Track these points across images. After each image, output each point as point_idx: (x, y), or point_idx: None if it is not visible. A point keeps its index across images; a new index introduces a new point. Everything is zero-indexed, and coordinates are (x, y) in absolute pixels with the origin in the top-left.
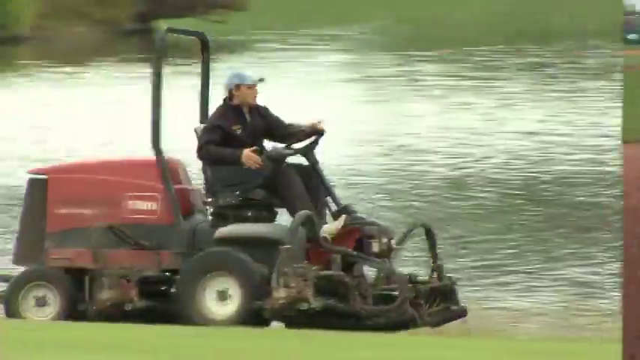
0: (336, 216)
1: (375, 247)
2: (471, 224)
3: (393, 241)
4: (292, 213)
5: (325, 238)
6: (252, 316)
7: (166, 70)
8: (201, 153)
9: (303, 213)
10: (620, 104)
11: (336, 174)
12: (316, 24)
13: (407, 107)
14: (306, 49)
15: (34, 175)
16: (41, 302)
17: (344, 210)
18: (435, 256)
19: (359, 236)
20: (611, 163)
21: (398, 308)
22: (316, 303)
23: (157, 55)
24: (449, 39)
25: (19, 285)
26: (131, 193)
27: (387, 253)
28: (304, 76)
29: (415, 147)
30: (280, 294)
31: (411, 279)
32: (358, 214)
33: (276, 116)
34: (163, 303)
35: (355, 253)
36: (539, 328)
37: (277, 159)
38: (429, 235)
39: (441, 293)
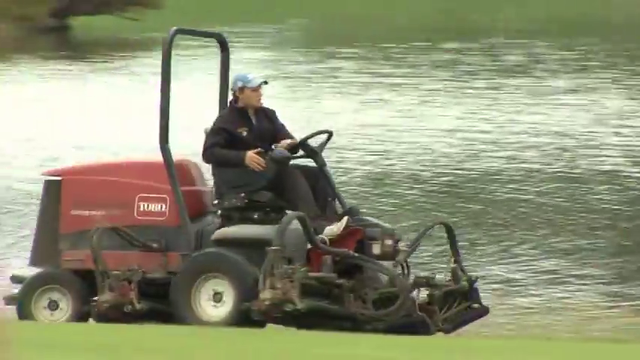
0: (340, 218)
1: (377, 249)
2: (394, 220)
3: (400, 243)
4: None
5: (323, 240)
6: (245, 318)
7: (86, 68)
8: (206, 155)
9: (292, 214)
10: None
11: None
12: (232, 22)
13: (324, 104)
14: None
15: (49, 177)
16: (54, 305)
17: (349, 212)
18: (456, 255)
19: (360, 238)
20: (531, 160)
21: (396, 312)
22: (301, 304)
23: (164, 57)
24: (365, 36)
25: (31, 288)
26: (142, 195)
27: (391, 255)
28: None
29: (335, 144)
30: (266, 295)
31: (428, 282)
32: (364, 216)
33: (280, 122)
34: (166, 305)
35: (355, 254)
36: None
37: (280, 161)
38: (449, 232)
39: (461, 294)
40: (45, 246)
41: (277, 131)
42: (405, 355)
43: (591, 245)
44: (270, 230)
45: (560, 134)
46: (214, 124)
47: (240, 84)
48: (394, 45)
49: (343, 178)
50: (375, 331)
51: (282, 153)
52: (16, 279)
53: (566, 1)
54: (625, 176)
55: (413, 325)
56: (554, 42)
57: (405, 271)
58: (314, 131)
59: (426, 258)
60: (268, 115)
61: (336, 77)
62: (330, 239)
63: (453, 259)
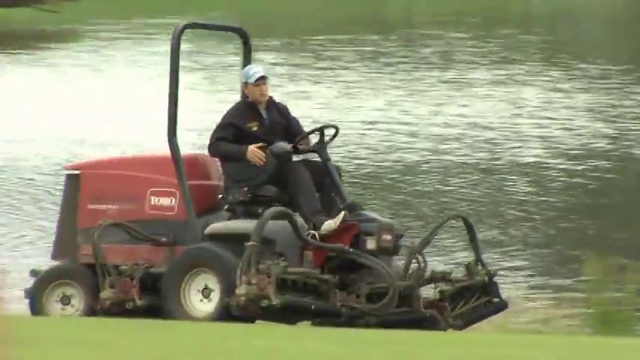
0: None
1: (371, 244)
2: None
3: (402, 238)
4: (297, 209)
5: (313, 235)
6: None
7: (4, 59)
8: (211, 150)
9: (274, 209)
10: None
11: None
12: (150, 14)
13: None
14: (141, 39)
15: (69, 171)
16: (66, 300)
17: (349, 207)
18: (476, 249)
19: (356, 233)
20: (453, 152)
21: (385, 307)
22: (277, 300)
23: (172, 50)
24: (287, 28)
25: (44, 282)
26: (153, 189)
27: (390, 250)
28: (145, 66)
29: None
30: (241, 290)
31: (445, 277)
32: (365, 212)
33: (294, 117)
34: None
35: (349, 250)
36: None
37: (280, 155)
38: (468, 227)
39: (478, 288)
40: (65, 240)
41: (290, 126)
42: (345, 348)
43: (513, 237)
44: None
45: (481, 126)
46: (222, 119)
47: (243, 79)
48: (313, 37)
49: None
50: (368, 325)
51: (282, 147)
52: (34, 273)
53: None
54: (546, 167)
55: (419, 321)
56: (472, 34)
57: (422, 266)
58: (318, 126)
59: (446, 253)
60: (280, 111)
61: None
62: (326, 234)
63: (474, 254)
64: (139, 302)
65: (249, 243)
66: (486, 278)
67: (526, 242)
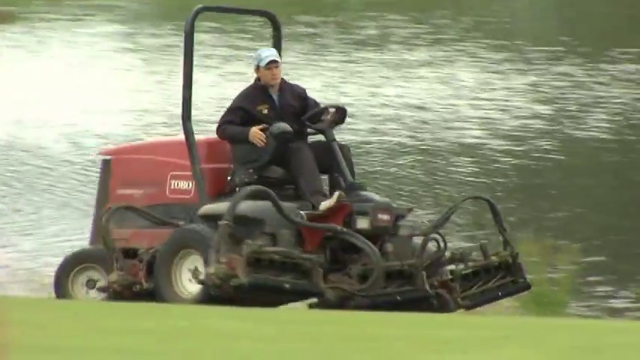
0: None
1: (363, 224)
2: None
3: (404, 218)
4: (298, 190)
5: (302, 216)
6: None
7: None
8: (219, 132)
9: (250, 188)
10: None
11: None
12: None
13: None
14: (75, 19)
15: (104, 156)
16: (91, 284)
17: (350, 186)
18: (502, 230)
19: (349, 212)
20: (392, 133)
21: (371, 288)
22: (246, 279)
23: (186, 33)
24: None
25: (69, 266)
26: (173, 173)
27: (386, 230)
28: (81, 47)
29: (197, 117)
30: (210, 270)
31: (463, 258)
32: (365, 192)
33: (313, 99)
34: None
35: (339, 229)
36: None
37: (277, 136)
38: (492, 208)
39: (502, 268)
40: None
41: (307, 108)
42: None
43: (451, 219)
44: (251, 206)
45: (419, 107)
46: (232, 102)
47: (255, 62)
48: (249, 19)
49: None
50: (358, 307)
51: (280, 128)
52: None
53: None
54: (484, 148)
55: (423, 300)
56: (407, 16)
57: (442, 245)
58: (323, 106)
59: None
60: (295, 93)
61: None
62: (321, 215)
63: (500, 235)
64: (145, 285)
65: (222, 222)
66: (510, 259)
67: (462, 224)
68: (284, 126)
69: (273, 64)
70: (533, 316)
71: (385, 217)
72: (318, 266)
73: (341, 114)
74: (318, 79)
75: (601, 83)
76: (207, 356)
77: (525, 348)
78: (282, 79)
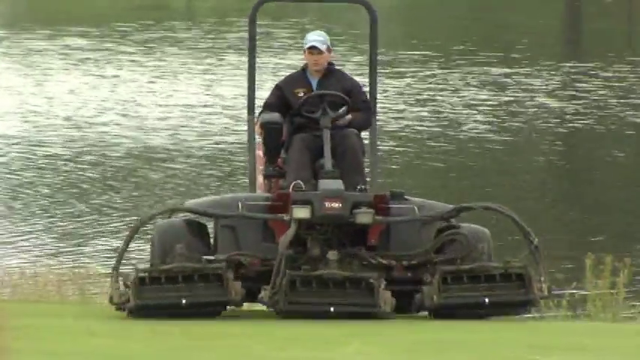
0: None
1: (301, 213)
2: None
3: (361, 206)
4: (287, 180)
5: (246, 207)
6: None
7: None
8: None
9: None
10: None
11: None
12: None
13: (58, 80)
14: None
15: None
16: None
17: (325, 173)
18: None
19: (290, 201)
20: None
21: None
22: (134, 303)
23: (250, 29)
24: (95, 15)
25: None
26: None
27: (336, 218)
28: None
29: (97, 120)
30: (110, 294)
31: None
32: (336, 180)
33: (363, 94)
34: None
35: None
36: None
37: (263, 125)
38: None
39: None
40: None
41: (350, 96)
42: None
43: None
44: (200, 201)
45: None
46: (278, 82)
47: (305, 45)
48: (117, 23)
49: (106, 152)
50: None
51: (265, 118)
52: None
53: None
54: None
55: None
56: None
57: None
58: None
59: None
60: (342, 83)
61: (67, 55)
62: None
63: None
64: None
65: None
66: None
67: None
68: (272, 116)
69: (313, 49)
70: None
71: (335, 204)
72: (230, 276)
73: (337, 106)
74: (194, 82)
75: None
76: None
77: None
78: (331, 66)
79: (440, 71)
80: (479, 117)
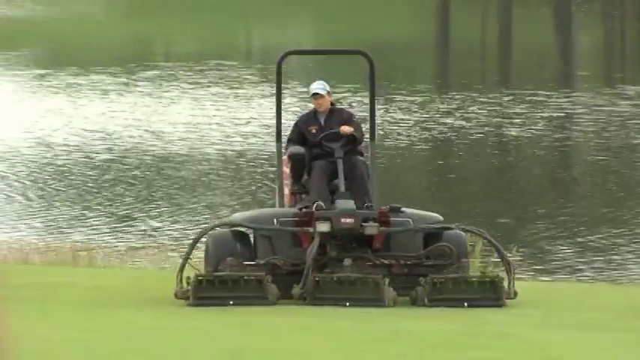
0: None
1: (323, 227)
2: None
3: (369, 222)
4: (310, 197)
5: (282, 223)
6: None
7: None
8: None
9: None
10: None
11: None
12: None
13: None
14: None
15: None
16: None
17: (338, 196)
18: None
19: (314, 218)
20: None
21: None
22: (192, 301)
23: (277, 73)
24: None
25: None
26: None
27: (351, 232)
28: None
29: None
30: (175, 288)
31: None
32: (347, 200)
33: (355, 123)
34: None
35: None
36: None
37: (290, 156)
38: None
39: (481, 285)
40: None
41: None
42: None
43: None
44: (242, 215)
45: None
46: (296, 121)
47: (309, 93)
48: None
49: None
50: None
51: (292, 151)
52: None
53: None
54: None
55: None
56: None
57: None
58: (332, 131)
59: None
60: (342, 116)
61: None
62: (300, 220)
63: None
64: None
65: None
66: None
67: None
68: (297, 149)
69: (317, 95)
70: None
71: (349, 220)
72: (268, 280)
73: (351, 139)
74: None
75: None
76: None
77: None
78: (333, 105)
79: None
80: None
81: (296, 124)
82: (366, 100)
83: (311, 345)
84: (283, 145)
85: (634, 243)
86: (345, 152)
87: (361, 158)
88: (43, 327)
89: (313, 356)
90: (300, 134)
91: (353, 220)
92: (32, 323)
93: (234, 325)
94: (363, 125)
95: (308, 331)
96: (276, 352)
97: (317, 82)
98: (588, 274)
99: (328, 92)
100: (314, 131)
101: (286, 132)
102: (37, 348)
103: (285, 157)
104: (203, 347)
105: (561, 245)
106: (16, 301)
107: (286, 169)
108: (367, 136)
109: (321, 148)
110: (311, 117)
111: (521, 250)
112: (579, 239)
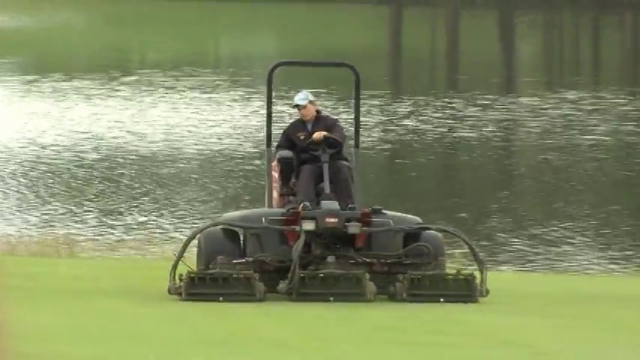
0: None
1: (309, 226)
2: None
3: (352, 222)
4: (297, 198)
5: (270, 221)
6: None
7: None
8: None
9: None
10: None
11: None
12: None
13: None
14: None
15: None
16: None
17: (324, 197)
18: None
19: (300, 217)
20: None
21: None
22: (184, 296)
23: (267, 83)
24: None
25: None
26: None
27: (335, 231)
28: None
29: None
30: (168, 284)
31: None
32: (332, 201)
33: (340, 127)
34: None
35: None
36: None
37: (280, 160)
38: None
39: (455, 282)
40: None
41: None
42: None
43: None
44: (234, 215)
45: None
46: (284, 129)
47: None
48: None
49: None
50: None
51: (283, 154)
52: None
53: None
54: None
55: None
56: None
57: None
58: (330, 136)
59: None
60: (327, 124)
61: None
62: (287, 219)
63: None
64: None
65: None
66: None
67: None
68: (286, 153)
69: (299, 107)
70: None
71: (333, 219)
72: (256, 278)
73: (331, 142)
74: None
75: None
76: None
77: None
78: (318, 112)
79: None
80: None
81: (285, 132)
82: (341, 108)
83: (284, 331)
84: (273, 150)
85: (577, 235)
86: (330, 157)
87: (346, 163)
88: (27, 313)
89: (287, 342)
90: (288, 140)
91: (337, 220)
92: (18, 310)
93: (213, 314)
94: (345, 131)
95: (282, 318)
96: (252, 339)
97: (299, 93)
98: (536, 264)
99: (311, 101)
100: (302, 137)
101: (276, 139)
102: (22, 332)
103: (274, 163)
104: (182, 332)
105: (514, 238)
106: (3, 289)
107: (275, 173)
108: (352, 142)
109: (308, 153)
110: (299, 124)
111: (480, 243)
112: (528, 232)
